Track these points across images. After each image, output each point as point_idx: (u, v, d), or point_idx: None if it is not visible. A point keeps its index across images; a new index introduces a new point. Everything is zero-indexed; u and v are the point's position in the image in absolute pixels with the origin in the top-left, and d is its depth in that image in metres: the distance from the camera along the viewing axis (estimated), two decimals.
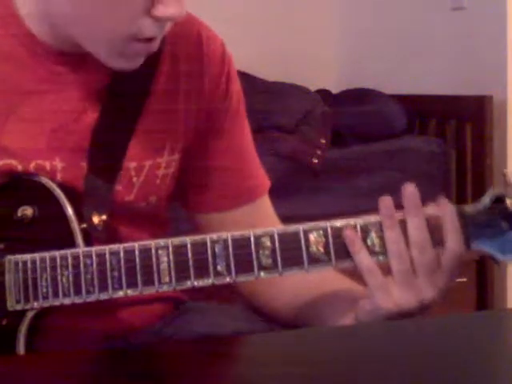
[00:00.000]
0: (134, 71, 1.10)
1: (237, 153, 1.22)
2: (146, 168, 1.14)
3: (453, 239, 1.02)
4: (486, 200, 1.02)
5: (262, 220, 1.21)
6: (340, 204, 2.60)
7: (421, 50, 3.07)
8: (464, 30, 2.89)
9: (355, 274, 1.10)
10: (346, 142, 2.80)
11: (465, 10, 2.89)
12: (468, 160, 2.79)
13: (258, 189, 1.24)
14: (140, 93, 1.14)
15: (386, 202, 1.03)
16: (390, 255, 1.02)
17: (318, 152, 2.64)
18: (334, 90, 3.20)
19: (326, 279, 1.15)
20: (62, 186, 1.08)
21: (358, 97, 3.03)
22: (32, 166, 1.09)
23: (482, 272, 2.67)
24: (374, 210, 2.83)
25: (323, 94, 3.06)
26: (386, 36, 3.21)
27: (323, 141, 2.68)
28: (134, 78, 1.12)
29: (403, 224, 1.03)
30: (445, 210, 1.02)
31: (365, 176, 2.68)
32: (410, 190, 1.03)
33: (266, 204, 1.25)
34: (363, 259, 1.02)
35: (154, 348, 1.00)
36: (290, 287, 1.17)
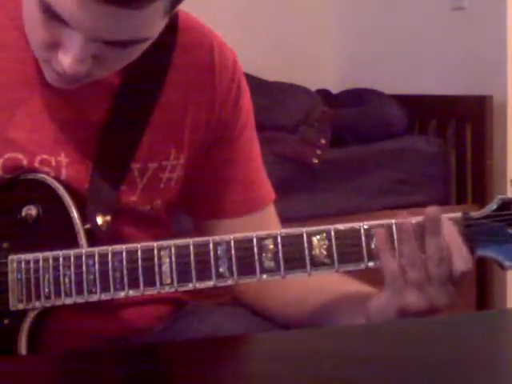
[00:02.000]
0: (144, 74, 1.11)
1: (243, 163, 1.22)
2: (150, 170, 1.14)
3: (458, 259, 1.02)
4: (493, 206, 1.02)
5: (264, 230, 1.20)
6: (340, 204, 2.60)
7: (421, 50, 3.07)
8: (464, 30, 2.89)
9: (358, 275, 1.10)
10: (346, 142, 2.79)
11: (465, 9, 2.89)
12: (468, 160, 2.79)
13: (263, 199, 1.25)
14: (149, 96, 1.14)
15: (404, 224, 1.03)
16: (407, 264, 1.02)
17: (318, 152, 2.63)
18: (334, 90, 3.19)
19: (332, 283, 1.14)
20: (66, 185, 1.08)
21: (358, 97, 3.03)
22: (37, 160, 1.09)
23: (482, 272, 2.67)
24: (374, 210, 2.81)
25: (323, 94, 3.05)
26: (386, 36, 3.20)
27: (323, 141, 2.68)
28: (145, 80, 1.13)
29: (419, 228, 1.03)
30: (449, 233, 1.02)
31: (365, 176, 2.68)
32: (433, 212, 1.03)
33: (270, 214, 1.25)
34: (389, 261, 1.02)
35: (156, 349, 1.00)
36: (297, 292, 1.17)
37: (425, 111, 2.95)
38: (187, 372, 0.84)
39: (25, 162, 1.09)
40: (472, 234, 1.02)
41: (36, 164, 1.09)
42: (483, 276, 2.68)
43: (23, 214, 1.06)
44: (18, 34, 1.10)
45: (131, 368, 0.86)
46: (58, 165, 1.10)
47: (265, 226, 1.22)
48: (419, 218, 1.03)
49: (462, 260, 1.02)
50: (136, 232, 1.15)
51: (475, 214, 1.03)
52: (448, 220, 1.03)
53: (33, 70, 1.10)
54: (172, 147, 1.16)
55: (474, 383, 0.79)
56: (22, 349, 1.05)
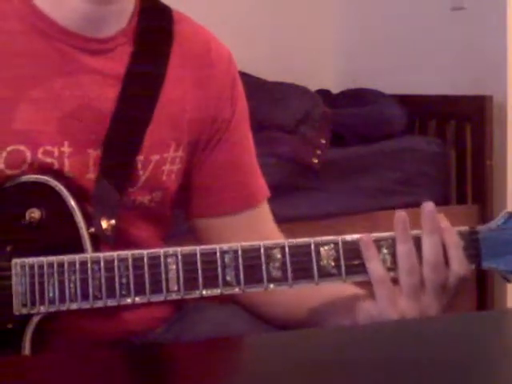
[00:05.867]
0: (147, 64, 1.13)
1: (238, 160, 1.23)
2: (153, 162, 1.15)
3: (456, 265, 1.03)
4: (500, 221, 1.03)
5: (258, 227, 1.21)
6: (340, 204, 2.60)
7: (421, 50, 3.07)
8: (464, 30, 2.89)
9: None
10: (346, 142, 2.79)
11: (465, 10, 2.89)
12: (468, 160, 2.78)
13: (257, 196, 1.25)
14: (153, 87, 1.15)
15: (401, 216, 1.03)
16: (401, 268, 1.02)
17: (318, 152, 2.63)
18: (334, 90, 3.20)
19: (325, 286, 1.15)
20: (69, 186, 1.07)
21: (358, 97, 3.03)
22: (40, 152, 1.09)
23: (482, 272, 2.66)
24: (374, 210, 2.82)
25: (323, 94, 3.06)
26: (386, 36, 3.21)
27: (323, 141, 2.68)
28: (149, 69, 1.14)
29: (418, 241, 1.03)
30: (448, 234, 1.03)
31: (365, 176, 2.68)
32: (428, 209, 1.04)
33: (264, 212, 1.26)
34: (376, 267, 1.02)
35: (157, 349, 1.00)
36: (291, 296, 1.16)
37: (425, 111, 2.95)
38: (188, 372, 0.84)
39: (28, 155, 1.09)
40: (479, 247, 1.03)
41: (39, 155, 1.09)
42: (483, 276, 2.68)
43: (27, 217, 1.06)
44: (27, 26, 1.11)
45: (132, 369, 0.87)
46: (60, 155, 1.10)
47: (260, 223, 1.24)
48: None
49: (458, 266, 1.02)
50: (137, 227, 1.16)
51: (482, 227, 1.03)
52: (447, 223, 1.03)
53: (38, 59, 1.11)
54: (172, 139, 1.17)
55: (474, 383, 0.79)
56: (26, 353, 1.04)
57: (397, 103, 2.91)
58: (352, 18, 3.37)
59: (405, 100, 2.92)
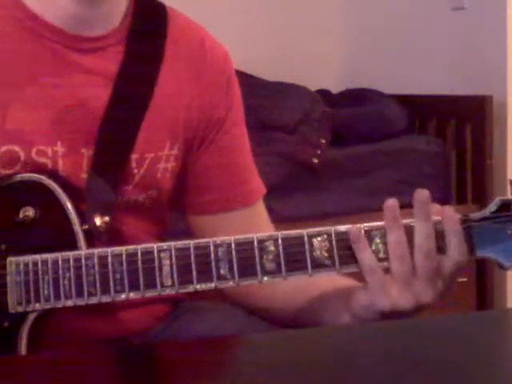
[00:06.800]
0: (140, 63, 1.13)
1: (233, 158, 1.23)
2: (148, 161, 1.15)
3: (455, 250, 1.02)
4: (492, 207, 1.02)
5: (254, 225, 1.21)
6: (340, 204, 2.60)
7: (421, 50, 3.07)
8: (464, 30, 2.89)
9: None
10: (346, 142, 2.79)
11: (465, 10, 2.89)
12: (468, 160, 2.79)
13: (253, 194, 1.25)
14: (146, 85, 1.15)
15: (390, 204, 1.03)
16: (391, 257, 1.02)
17: (318, 152, 2.63)
18: (334, 90, 3.20)
19: (318, 279, 1.12)
20: (63, 185, 1.07)
21: (358, 97, 3.03)
22: (33, 151, 1.09)
23: (482, 272, 2.67)
24: (374, 210, 2.83)
25: (323, 94, 3.06)
26: (386, 36, 3.21)
27: (323, 141, 2.68)
28: (142, 68, 1.14)
29: (409, 228, 1.02)
30: (449, 221, 1.02)
31: (365, 176, 2.68)
32: (422, 195, 1.03)
33: (259, 210, 1.26)
34: (366, 258, 1.02)
35: (155, 349, 1.00)
36: (284, 289, 1.17)
37: (425, 111, 2.95)
38: (187, 372, 0.84)
39: (21, 155, 1.09)
40: (472, 235, 1.02)
41: (33, 155, 1.09)
42: (483, 276, 2.68)
43: (21, 215, 1.06)
44: (17, 25, 1.11)
45: (129, 368, 0.86)
46: (54, 155, 1.10)
47: (255, 221, 1.24)
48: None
49: (457, 251, 1.02)
50: (134, 225, 1.16)
51: (475, 215, 1.03)
52: (451, 210, 1.03)
53: (30, 58, 1.11)
54: (167, 137, 1.17)
55: (474, 383, 0.79)
56: (23, 351, 1.04)
57: (397, 103, 2.91)
58: (352, 18, 3.37)
59: (405, 100, 2.92)
